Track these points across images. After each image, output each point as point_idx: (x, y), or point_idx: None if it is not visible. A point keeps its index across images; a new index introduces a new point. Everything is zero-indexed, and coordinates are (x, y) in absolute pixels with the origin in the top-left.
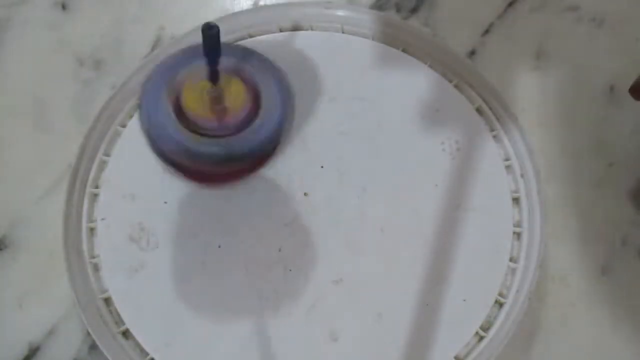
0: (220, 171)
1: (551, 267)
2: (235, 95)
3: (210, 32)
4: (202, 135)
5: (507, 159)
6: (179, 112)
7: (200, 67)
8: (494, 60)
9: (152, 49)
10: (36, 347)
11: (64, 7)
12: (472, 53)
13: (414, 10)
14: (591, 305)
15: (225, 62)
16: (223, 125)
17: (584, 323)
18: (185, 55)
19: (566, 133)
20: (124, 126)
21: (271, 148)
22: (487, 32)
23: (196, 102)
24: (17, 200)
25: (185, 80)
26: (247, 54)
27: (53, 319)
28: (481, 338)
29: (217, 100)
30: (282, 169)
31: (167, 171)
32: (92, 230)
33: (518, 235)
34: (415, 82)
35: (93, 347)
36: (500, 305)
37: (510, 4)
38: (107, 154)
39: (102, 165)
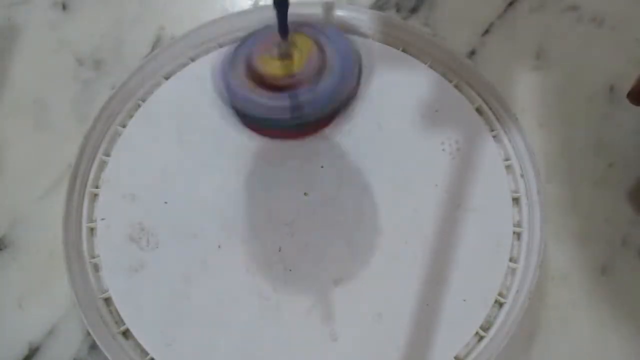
0: (287, 128)
1: (551, 267)
2: (303, 51)
3: None
4: (273, 88)
5: (507, 159)
6: (252, 73)
7: (271, 33)
8: (494, 60)
9: (152, 49)
10: (36, 347)
11: (64, 7)
12: (472, 53)
13: (414, 10)
14: (591, 305)
15: (294, 20)
16: (290, 77)
17: (584, 323)
18: (257, 34)
19: (566, 133)
20: (124, 126)
21: (336, 105)
22: (487, 32)
23: (268, 63)
24: (17, 200)
25: (258, 46)
26: (316, 20)
27: (53, 319)
28: (481, 338)
29: (284, 57)
30: (281, 168)
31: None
32: (92, 230)
33: (518, 235)
34: (415, 82)
35: (93, 347)
36: (500, 305)
37: (510, 4)
38: (107, 154)
39: (102, 165)
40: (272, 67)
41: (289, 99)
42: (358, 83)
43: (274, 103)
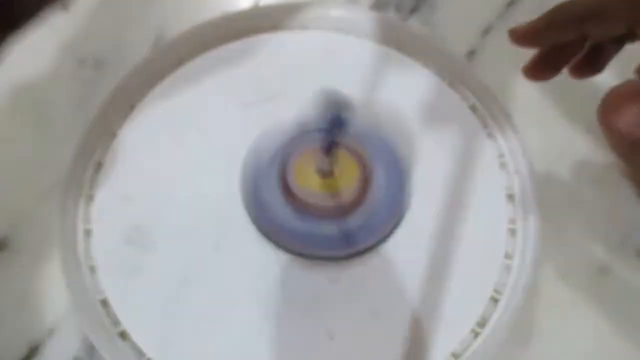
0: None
1: (550, 267)
2: (347, 175)
3: (340, 112)
4: (310, 213)
5: (501, 156)
6: (287, 189)
7: (312, 142)
8: (494, 61)
9: (152, 49)
10: (36, 347)
11: (64, 7)
12: (472, 53)
13: (414, 11)
14: (590, 304)
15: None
16: (335, 201)
17: (582, 322)
18: (296, 135)
19: (566, 133)
20: (120, 127)
21: (385, 231)
22: (487, 32)
23: (305, 175)
24: (17, 201)
25: (296, 157)
26: (366, 130)
27: (53, 319)
28: (477, 335)
29: (324, 175)
30: None
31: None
32: (88, 232)
33: (513, 232)
34: (410, 81)
35: (93, 347)
36: (496, 301)
37: (510, 4)
38: (103, 155)
39: (98, 166)
40: (310, 186)
41: (337, 228)
42: (408, 195)
43: (320, 232)
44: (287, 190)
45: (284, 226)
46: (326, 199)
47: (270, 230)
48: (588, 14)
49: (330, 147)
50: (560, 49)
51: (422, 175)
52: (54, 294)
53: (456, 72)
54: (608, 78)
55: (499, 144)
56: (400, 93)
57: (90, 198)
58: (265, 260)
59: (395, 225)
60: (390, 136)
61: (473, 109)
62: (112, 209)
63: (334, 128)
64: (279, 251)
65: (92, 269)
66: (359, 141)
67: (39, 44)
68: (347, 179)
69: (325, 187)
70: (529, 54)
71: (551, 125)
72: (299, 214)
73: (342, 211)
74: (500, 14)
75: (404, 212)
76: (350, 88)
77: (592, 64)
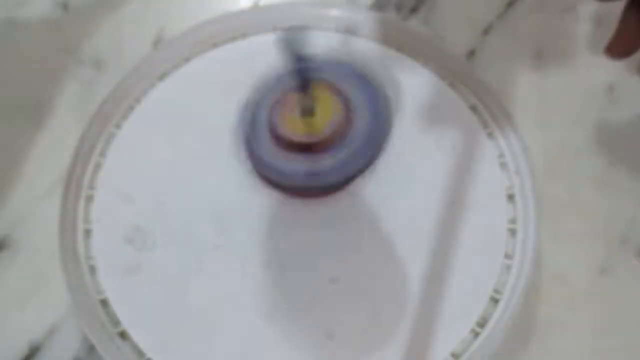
0: (308, 187)
1: (550, 266)
2: (327, 113)
3: (292, 39)
4: (292, 150)
5: (501, 156)
6: (272, 123)
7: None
8: (494, 60)
9: (152, 49)
10: (36, 347)
11: (64, 7)
12: (472, 53)
13: (414, 10)
14: (589, 304)
15: (318, 74)
16: (312, 139)
17: (582, 322)
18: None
19: (566, 133)
20: (119, 127)
21: (362, 165)
22: (487, 32)
23: (289, 113)
24: (17, 200)
25: (282, 96)
26: (345, 66)
27: (53, 319)
28: (477, 334)
29: (305, 112)
30: None
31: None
32: (88, 231)
33: (513, 232)
34: (410, 81)
35: (93, 347)
36: (496, 301)
37: (510, 4)
38: (102, 155)
39: (98, 166)
40: (294, 127)
41: (306, 164)
42: (379, 151)
43: (290, 168)
44: (274, 134)
45: (275, 167)
46: (310, 137)
47: (262, 171)
48: None
49: (302, 86)
50: None
51: (422, 175)
52: (54, 294)
53: (456, 72)
54: (610, 77)
55: (499, 144)
56: (400, 93)
57: (90, 198)
58: (265, 262)
59: (378, 152)
60: (369, 71)
61: (473, 109)
62: (112, 209)
63: (298, 67)
64: (272, 191)
65: (92, 269)
66: (339, 78)
67: (39, 43)
68: (328, 116)
69: (308, 125)
70: (527, 54)
71: (551, 125)
72: (285, 153)
73: (326, 145)
74: (500, 14)
75: (385, 141)
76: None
77: None
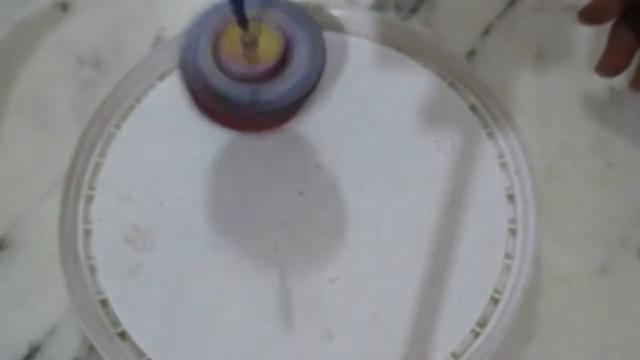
0: (245, 117)
1: (550, 267)
2: (268, 44)
3: None
4: (232, 79)
5: (501, 156)
6: (217, 55)
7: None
8: (494, 60)
9: (152, 49)
10: (36, 347)
11: (64, 7)
12: (472, 53)
13: (414, 11)
14: (590, 304)
15: (259, 10)
16: (250, 70)
17: (582, 322)
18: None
19: (566, 133)
20: (119, 127)
21: (296, 102)
22: (487, 32)
23: (232, 47)
24: (18, 200)
25: (227, 25)
26: (285, 5)
27: (53, 319)
28: (477, 335)
29: (248, 46)
30: (276, 168)
31: (195, 110)
32: (87, 232)
33: (513, 232)
34: (410, 80)
35: (93, 347)
36: (496, 301)
37: (510, 4)
38: (102, 156)
39: (98, 166)
40: (235, 56)
41: (247, 93)
42: (318, 80)
43: (232, 93)
44: (219, 64)
45: (224, 96)
46: (253, 68)
47: (204, 96)
48: None
49: (241, 21)
50: None
51: (422, 175)
52: (54, 294)
53: (456, 72)
54: (609, 80)
55: (499, 144)
56: (400, 93)
57: (90, 198)
58: (265, 260)
59: (317, 81)
60: (302, 8)
61: (473, 109)
62: (112, 209)
63: (234, 6)
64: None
65: (92, 269)
66: (279, 12)
67: (39, 44)
68: (270, 47)
69: (251, 58)
70: (527, 54)
71: (551, 125)
72: (232, 83)
73: (269, 76)
74: (500, 14)
75: (322, 70)
76: (350, 88)
77: None
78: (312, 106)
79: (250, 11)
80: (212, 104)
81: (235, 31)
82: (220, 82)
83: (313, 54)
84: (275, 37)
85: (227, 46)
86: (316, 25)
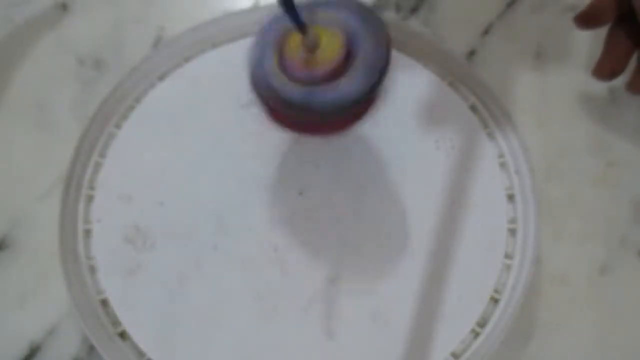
0: (316, 120)
1: (550, 267)
2: (329, 48)
3: None
4: (299, 85)
5: (501, 156)
6: (283, 64)
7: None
8: (494, 61)
9: (152, 49)
10: (37, 347)
11: (64, 7)
12: (472, 53)
13: (414, 11)
14: (590, 304)
15: (323, 14)
16: (314, 74)
17: (582, 322)
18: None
19: (566, 133)
20: (119, 127)
21: (357, 105)
22: (487, 32)
23: (296, 54)
24: (18, 200)
25: (289, 33)
26: (350, 6)
27: (53, 319)
28: (477, 335)
29: (308, 50)
30: (276, 168)
31: (272, 122)
32: (88, 232)
33: (513, 232)
34: (410, 80)
35: (93, 347)
36: (496, 301)
37: (510, 4)
38: (102, 156)
39: (98, 166)
40: (300, 62)
41: (309, 96)
42: (383, 76)
43: (296, 97)
44: (285, 72)
45: (285, 97)
46: (316, 70)
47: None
48: None
49: (298, 27)
50: None
51: (422, 175)
52: (54, 294)
53: (456, 72)
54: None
55: (499, 144)
56: (400, 93)
57: (90, 198)
58: (265, 260)
59: (379, 81)
60: (366, 6)
61: (473, 109)
62: (112, 209)
63: (288, 9)
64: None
65: (92, 269)
66: (341, 15)
67: (39, 44)
68: (331, 51)
69: (315, 61)
70: (527, 54)
71: (551, 125)
72: (295, 85)
73: (331, 77)
74: (500, 14)
75: (386, 70)
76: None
77: None
78: (380, 101)
79: (308, 15)
80: (285, 113)
81: (297, 38)
82: (288, 90)
83: (377, 50)
84: (337, 37)
85: (290, 53)
86: (378, 18)
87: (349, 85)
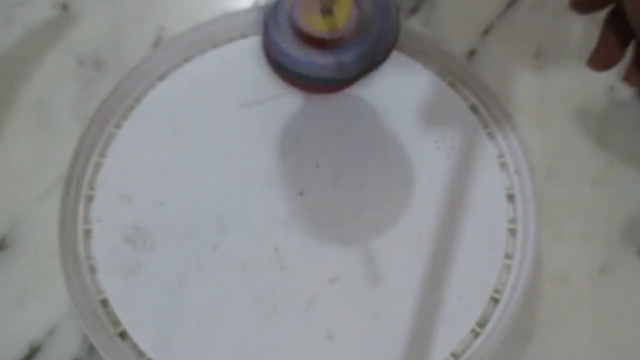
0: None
1: (550, 266)
2: (342, 11)
3: None
4: (314, 45)
5: (501, 156)
6: (296, 29)
7: None
8: (494, 60)
9: (152, 49)
10: (37, 347)
11: (64, 7)
12: (472, 53)
13: (414, 11)
14: (590, 304)
15: None
16: (332, 35)
17: (582, 322)
18: None
19: (566, 133)
20: (119, 127)
21: (368, 64)
22: (487, 32)
23: (309, 16)
24: (18, 201)
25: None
26: None
27: (53, 319)
28: (477, 335)
29: (324, 12)
30: (277, 168)
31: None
32: (88, 232)
33: (513, 232)
34: (410, 80)
35: (93, 347)
36: (496, 301)
37: (510, 4)
38: (102, 156)
39: (98, 166)
40: (316, 24)
41: (335, 57)
42: (397, 34)
43: (321, 61)
44: (296, 30)
45: (298, 59)
46: (330, 33)
47: (284, 63)
48: None
49: None
50: None
51: (422, 175)
52: (54, 294)
53: (456, 72)
54: (610, 77)
55: (499, 144)
56: (400, 93)
57: (90, 198)
58: (265, 260)
59: (389, 50)
60: None
61: (473, 109)
62: (112, 209)
63: None
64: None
65: (92, 269)
66: None
67: (39, 44)
68: (345, 15)
69: (327, 24)
70: (527, 54)
71: (551, 125)
72: (307, 47)
73: (344, 42)
74: (500, 14)
75: (395, 40)
76: (351, 88)
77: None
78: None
79: None
80: (299, 79)
81: (309, 7)
82: (308, 56)
83: (386, 21)
84: (350, 4)
85: (306, 19)
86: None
87: (363, 53)
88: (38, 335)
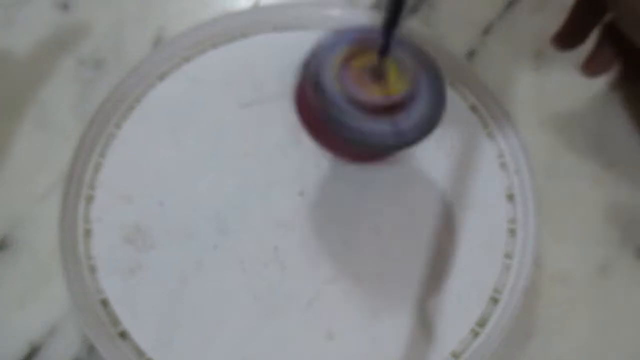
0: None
1: (550, 267)
2: (395, 79)
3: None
4: (375, 113)
5: (501, 156)
6: (350, 94)
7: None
8: (494, 60)
9: (152, 49)
10: (37, 347)
11: (64, 7)
12: (472, 53)
13: (414, 10)
14: (590, 304)
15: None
16: (391, 100)
17: (582, 322)
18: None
19: (566, 133)
20: (119, 127)
21: (432, 125)
22: (487, 32)
23: (360, 80)
24: (18, 201)
25: (358, 49)
26: (407, 44)
27: (53, 319)
28: (477, 334)
29: (376, 75)
30: (277, 168)
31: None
32: (88, 232)
33: (513, 232)
34: None
35: (93, 347)
36: (496, 301)
37: (510, 4)
38: (102, 156)
39: (98, 166)
40: (370, 90)
41: (391, 125)
42: (436, 124)
43: (376, 128)
44: (352, 99)
45: (362, 130)
46: (389, 99)
47: (344, 135)
48: None
49: (384, 47)
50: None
51: (422, 175)
52: (54, 294)
53: (456, 72)
54: (610, 77)
55: (499, 144)
56: None
57: (90, 198)
58: (265, 260)
59: (441, 114)
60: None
61: (473, 109)
62: (112, 209)
63: (389, 29)
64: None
65: (92, 269)
66: (397, 46)
67: (39, 43)
68: (400, 79)
69: (382, 90)
70: (527, 54)
71: (551, 125)
72: (369, 116)
73: (402, 107)
74: (500, 14)
75: (445, 103)
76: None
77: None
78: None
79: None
80: (350, 138)
81: (363, 60)
82: (364, 124)
83: (435, 97)
84: (406, 78)
85: (358, 84)
86: (439, 69)
87: (421, 118)
88: (38, 335)
